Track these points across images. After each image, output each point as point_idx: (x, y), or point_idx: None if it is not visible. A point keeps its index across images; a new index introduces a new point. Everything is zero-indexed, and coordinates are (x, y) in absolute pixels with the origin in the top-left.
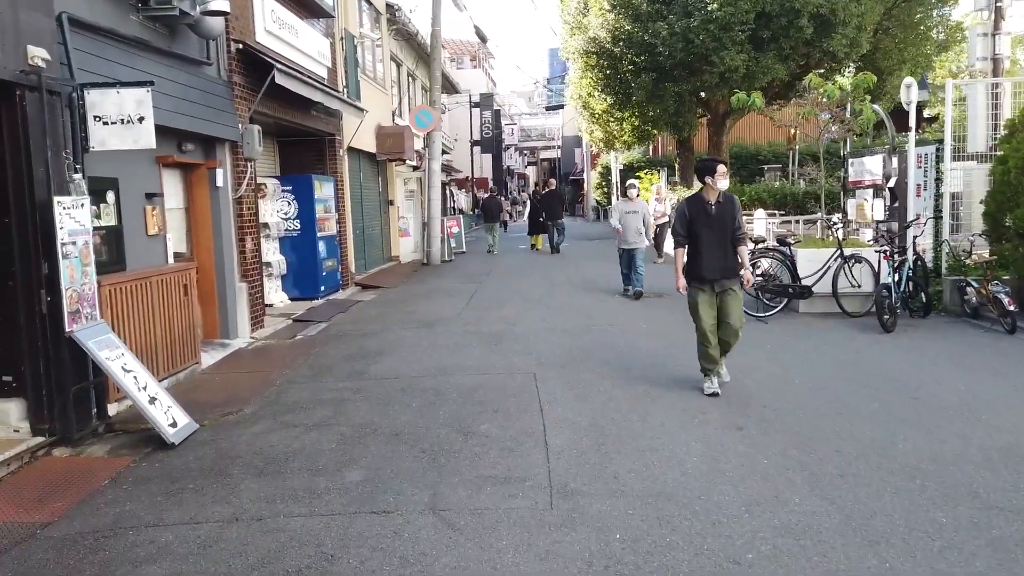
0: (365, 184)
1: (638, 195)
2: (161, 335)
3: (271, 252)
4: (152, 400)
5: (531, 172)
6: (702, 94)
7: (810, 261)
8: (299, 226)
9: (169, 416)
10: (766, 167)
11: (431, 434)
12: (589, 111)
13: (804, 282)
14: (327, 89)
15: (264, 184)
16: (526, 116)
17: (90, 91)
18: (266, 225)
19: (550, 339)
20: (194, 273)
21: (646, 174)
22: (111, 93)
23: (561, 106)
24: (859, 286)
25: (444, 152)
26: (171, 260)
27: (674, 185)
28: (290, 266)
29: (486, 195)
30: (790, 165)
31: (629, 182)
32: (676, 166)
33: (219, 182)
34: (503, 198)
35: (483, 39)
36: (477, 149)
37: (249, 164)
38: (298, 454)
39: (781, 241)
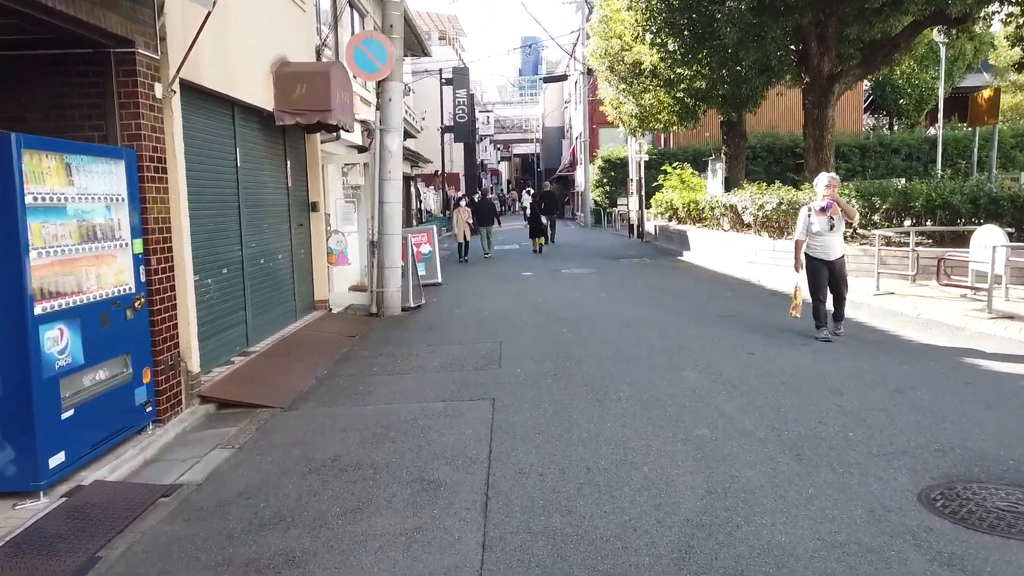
0: (248, 171)
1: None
2: None
3: None
4: None
5: (503, 168)
6: (796, 45)
7: None
8: None
9: None
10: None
11: None
12: (619, 74)
13: None
14: None
15: None
16: (500, 105)
17: None
18: None
19: None
20: None
21: (675, 168)
22: None
23: (564, 77)
24: None
25: (409, 136)
26: None
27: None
28: None
29: (471, 197)
30: (939, 159)
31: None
32: (723, 155)
33: None
34: (496, 199)
35: None
36: (448, 138)
37: None
38: None
39: None
